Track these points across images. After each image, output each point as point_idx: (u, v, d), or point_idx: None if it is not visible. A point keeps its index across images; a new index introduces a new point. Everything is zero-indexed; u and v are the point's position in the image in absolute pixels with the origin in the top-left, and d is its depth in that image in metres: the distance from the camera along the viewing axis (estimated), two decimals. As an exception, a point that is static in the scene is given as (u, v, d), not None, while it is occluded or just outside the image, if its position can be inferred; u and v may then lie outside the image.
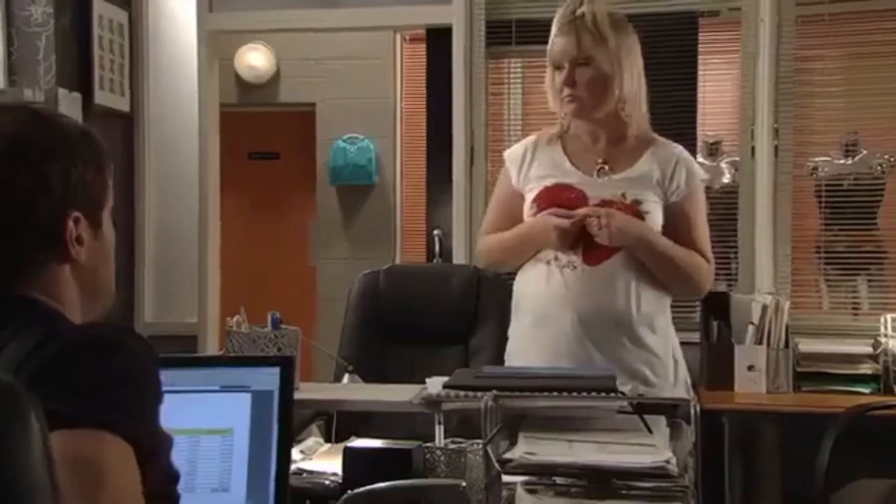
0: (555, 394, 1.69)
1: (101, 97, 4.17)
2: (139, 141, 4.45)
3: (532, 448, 1.59)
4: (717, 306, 3.71)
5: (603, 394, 1.71)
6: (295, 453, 2.31)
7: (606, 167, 2.46)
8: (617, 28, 2.42)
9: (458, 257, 4.19)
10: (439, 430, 2.04)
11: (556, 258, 2.41)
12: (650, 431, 1.66)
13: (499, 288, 3.27)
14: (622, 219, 2.38)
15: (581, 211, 2.38)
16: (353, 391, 2.29)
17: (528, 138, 2.59)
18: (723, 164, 5.19)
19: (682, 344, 2.55)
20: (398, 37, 6.10)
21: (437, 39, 4.62)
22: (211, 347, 4.30)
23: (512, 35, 4.17)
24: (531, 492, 1.75)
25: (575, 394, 1.70)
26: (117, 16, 4.31)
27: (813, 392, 3.59)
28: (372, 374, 2.84)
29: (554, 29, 2.45)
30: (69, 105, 3.93)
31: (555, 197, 2.44)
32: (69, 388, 1.08)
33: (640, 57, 2.47)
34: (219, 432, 1.68)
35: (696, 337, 3.66)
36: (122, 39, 4.35)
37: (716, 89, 4.87)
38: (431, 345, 3.15)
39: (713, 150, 5.27)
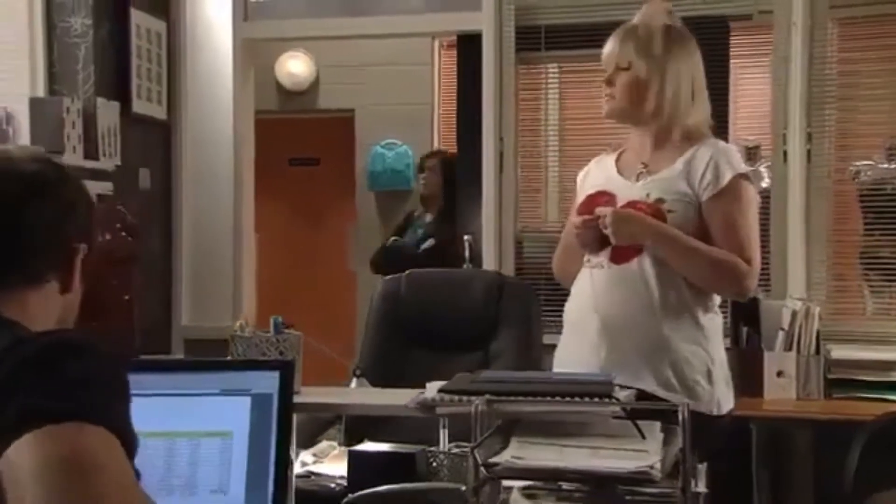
0: (547, 399, 1.70)
1: (139, 105, 4.24)
2: (176, 148, 4.52)
3: (521, 452, 1.60)
4: (747, 312, 3.67)
5: (596, 399, 1.72)
6: (307, 456, 2.35)
7: (646, 170, 2.46)
8: (669, 38, 2.44)
9: (488, 263, 4.20)
10: (443, 435, 2.06)
11: (589, 260, 2.44)
12: (643, 437, 1.66)
13: (521, 293, 3.29)
14: (623, 216, 2.36)
15: (599, 210, 2.39)
16: (353, 395, 2.32)
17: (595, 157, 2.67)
18: (761, 169, 5.12)
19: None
20: (436, 43, 6.13)
21: (468, 45, 4.63)
22: (245, 352, 4.35)
23: (541, 41, 4.17)
24: (530, 496, 1.76)
25: (567, 399, 1.70)
26: (155, 26, 4.39)
27: (844, 399, 3.54)
28: (392, 379, 2.85)
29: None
30: (107, 113, 4.00)
31: (591, 203, 2.46)
32: (45, 388, 1.11)
33: (692, 64, 2.46)
34: (218, 435, 1.71)
35: (725, 342, 3.61)
36: (160, 49, 4.42)
37: (749, 93, 4.81)
38: (452, 350, 3.15)
39: (751, 155, 5.20)
